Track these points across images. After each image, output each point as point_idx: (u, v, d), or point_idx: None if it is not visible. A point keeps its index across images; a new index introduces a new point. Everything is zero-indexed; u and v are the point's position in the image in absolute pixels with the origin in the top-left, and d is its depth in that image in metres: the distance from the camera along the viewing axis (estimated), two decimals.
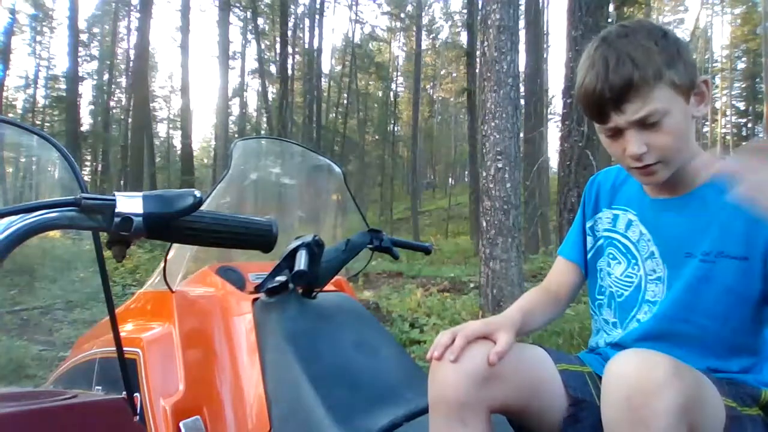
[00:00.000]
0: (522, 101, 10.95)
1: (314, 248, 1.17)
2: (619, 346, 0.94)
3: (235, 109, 28.98)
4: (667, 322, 0.87)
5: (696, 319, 0.85)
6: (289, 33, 21.44)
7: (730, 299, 0.83)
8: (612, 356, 0.93)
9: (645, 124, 0.80)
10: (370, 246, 1.35)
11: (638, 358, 0.67)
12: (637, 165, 0.83)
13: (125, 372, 0.85)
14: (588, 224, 1.03)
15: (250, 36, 26.28)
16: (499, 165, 4.39)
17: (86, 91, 30.44)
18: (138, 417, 0.99)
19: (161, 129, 36.97)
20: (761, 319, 0.84)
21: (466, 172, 28.77)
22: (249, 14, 20.86)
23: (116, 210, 0.58)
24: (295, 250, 1.17)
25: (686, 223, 0.87)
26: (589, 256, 1.03)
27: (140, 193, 0.61)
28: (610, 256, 0.98)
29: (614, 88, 0.79)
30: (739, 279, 0.82)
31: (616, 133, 0.83)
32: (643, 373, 0.65)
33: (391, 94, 32.67)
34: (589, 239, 1.03)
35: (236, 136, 21.59)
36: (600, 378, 0.94)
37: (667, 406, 0.63)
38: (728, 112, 38.50)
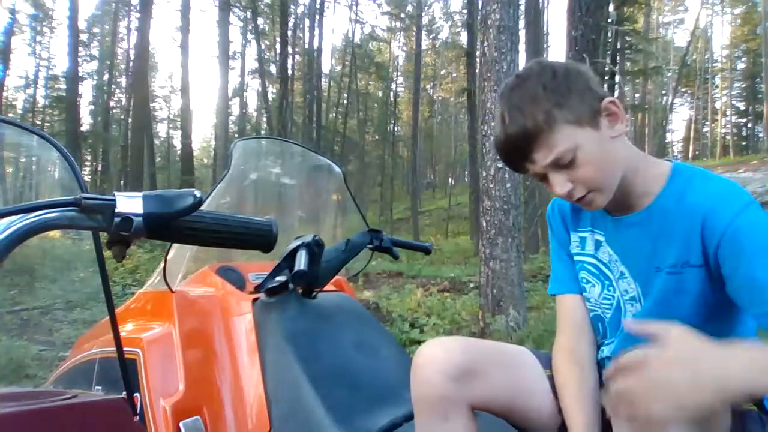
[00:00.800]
0: None
1: (314, 248, 1.17)
2: (609, 359, 0.94)
3: (235, 109, 28.98)
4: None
5: None
6: (289, 33, 21.42)
7: (702, 305, 0.83)
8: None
9: (560, 166, 0.80)
10: (370, 246, 1.35)
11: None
12: (573, 200, 0.84)
13: (125, 372, 0.85)
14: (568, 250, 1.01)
15: (250, 36, 26.28)
16: (499, 165, 4.39)
17: (86, 91, 30.46)
18: (138, 417, 0.99)
19: (161, 129, 37.01)
20: (731, 314, 0.84)
21: (466, 172, 28.77)
22: (249, 14, 20.82)
23: (116, 210, 0.58)
24: (295, 250, 1.17)
25: (651, 239, 0.85)
26: None
27: (140, 193, 0.61)
28: (584, 280, 0.97)
29: (515, 143, 0.81)
30: (705, 285, 0.81)
31: (542, 178, 0.84)
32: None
33: (391, 94, 32.61)
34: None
35: (236, 136, 21.58)
36: None
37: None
38: (728, 112, 38.49)
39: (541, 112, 0.78)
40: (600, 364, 0.97)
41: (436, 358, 0.83)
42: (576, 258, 0.98)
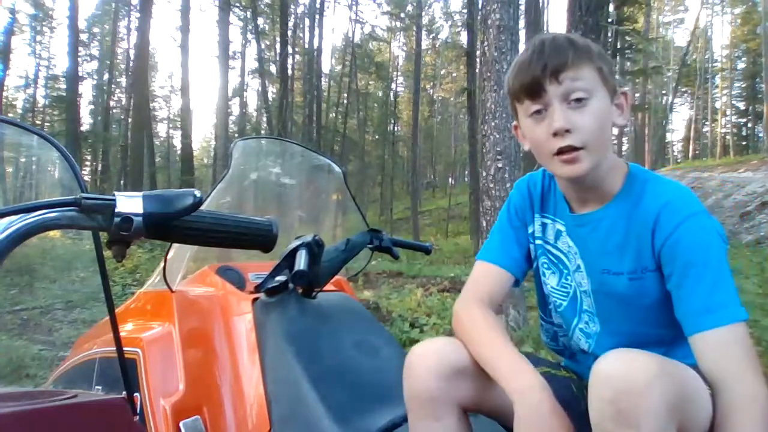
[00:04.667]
0: None
1: (314, 248, 1.17)
2: (592, 354, 0.95)
3: (235, 109, 28.96)
4: (623, 337, 0.89)
5: (643, 329, 0.88)
6: (289, 33, 21.40)
7: (660, 308, 0.85)
8: (587, 362, 0.94)
9: (572, 101, 0.82)
10: (370, 246, 1.35)
11: (621, 360, 0.68)
12: (561, 144, 0.82)
13: (125, 372, 0.85)
14: (529, 230, 1.01)
15: (250, 36, 26.29)
16: (499, 165, 4.39)
17: (86, 91, 30.54)
18: (138, 417, 0.99)
19: (161, 129, 37.05)
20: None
21: (466, 172, 28.76)
22: (249, 14, 20.83)
23: (116, 210, 0.58)
24: (295, 250, 1.17)
25: (602, 241, 0.89)
26: (535, 264, 1.02)
27: (140, 193, 0.61)
28: (544, 265, 1.00)
29: (552, 58, 0.83)
30: (660, 287, 0.85)
31: (543, 112, 0.85)
32: (627, 374, 0.65)
33: (391, 94, 32.59)
34: (532, 246, 1.01)
35: (236, 136, 21.55)
36: (585, 383, 0.96)
37: (655, 406, 0.63)
38: (728, 112, 38.48)
39: (585, 48, 0.85)
40: (580, 360, 1.00)
41: (427, 357, 0.82)
42: (537, 242, 0.99)
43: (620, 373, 0.65)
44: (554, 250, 0.97)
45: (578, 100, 0.82)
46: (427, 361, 0.81)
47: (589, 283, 0.92)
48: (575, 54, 0.82)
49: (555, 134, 0.82)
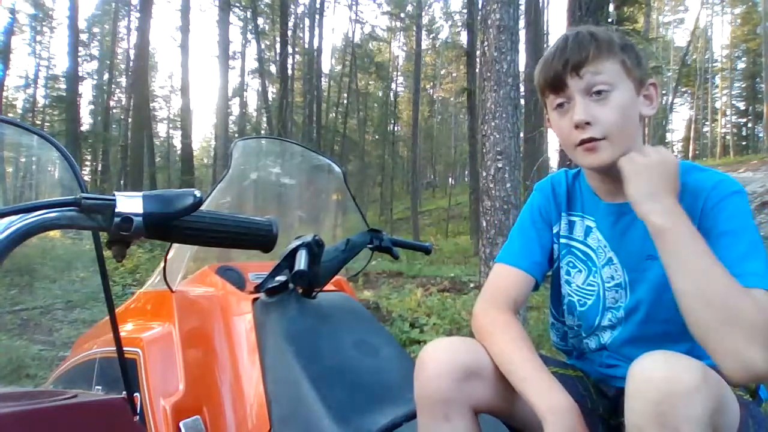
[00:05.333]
0: (522, 101, 10.92)
1: (314, 248, 1.17)
2: (606, 350, 0.96)
3: (235, 109, 28.96)
4: (651, 324, 0.89)
5: (677, 317, 0.85)
6: (289, 33, 21.39)
7: None
8: (599, 360, 0.95)
9: (594, 94, 0.85)
10: (370, 246, 1.35)
11: (666, 362, 0.66)
12: (583, 137, 0.85)
13: (125, 372, 0.85)
14: (554, 230, 1.01)
15: (250, 36, 26.30)
16: (499, 165, 4.39)
17: (86, 90, 30.55)
18: (138, 417, 0.99)
19: (161, 129, 37.08)
20: None
21: (466, 172, 28.77)
22: (249, 14, 20.85)
23: (116, 210, 0.58)
24: (295, 250, 1.17)
25: (643, 227, 0.87)
26: (556, 264, 1.01)
27: (140, 193, 0.61)
28: (570, 264, 0.99)
29: (573, 54, 0.86)
30: None
31: (566, 105, 0.88)
32: (673, 377, 0.63)
33: (391, 94, 32.60)
34: (555, 247, 1.01)
35: (236, 136, 21.55)
36: (592, 381, 0.96)
37: (697, 413, 0.62)
38: (728, 112, 38.48)
39: (608, 42, 0.87)
40: (592, 358, 0.98)
41: (440, 358, 0.81)
42: (562, 242, 0.99)
43: (664, 374, 0.64)
44: (582, 247, 0.97)
45: (599, 92, 0.85)
46: (439, 361, 0.80)
47: (624, 275, 0.91)
48: (596, 48, 0.85)
49: (577, 126, 0.85)
